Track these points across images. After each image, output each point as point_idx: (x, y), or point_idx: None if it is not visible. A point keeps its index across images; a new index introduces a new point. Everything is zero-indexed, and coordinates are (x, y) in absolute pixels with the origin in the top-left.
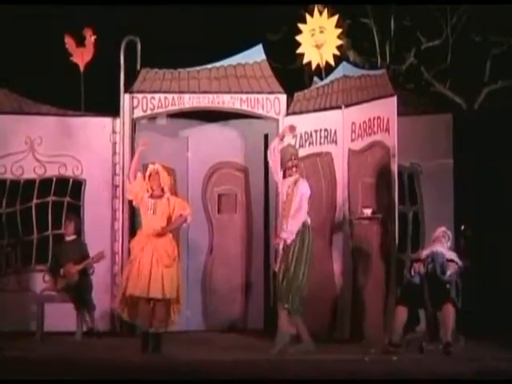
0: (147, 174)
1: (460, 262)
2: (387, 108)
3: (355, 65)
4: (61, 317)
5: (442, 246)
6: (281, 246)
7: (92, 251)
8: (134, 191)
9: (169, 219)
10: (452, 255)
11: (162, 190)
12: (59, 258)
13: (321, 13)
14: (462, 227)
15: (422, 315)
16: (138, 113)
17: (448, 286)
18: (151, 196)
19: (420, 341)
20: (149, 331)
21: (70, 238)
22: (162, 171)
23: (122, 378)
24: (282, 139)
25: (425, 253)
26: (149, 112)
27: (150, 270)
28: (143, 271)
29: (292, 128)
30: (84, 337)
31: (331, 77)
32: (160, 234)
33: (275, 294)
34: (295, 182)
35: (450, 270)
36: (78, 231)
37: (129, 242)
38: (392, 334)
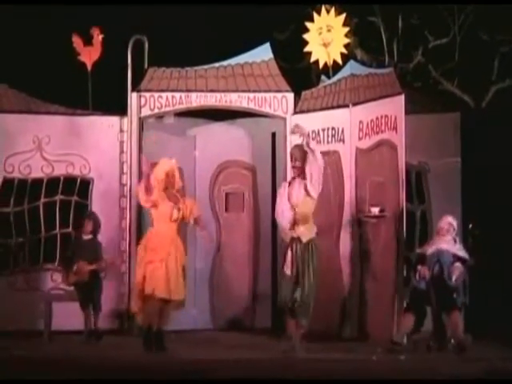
0: (165, 170)
1: (467, 257)
2: (395, 106)
3: (363, 63)
4: (68, 316)
5: (446, 239)
6: (289, 254)
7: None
8: (152, 201)
9: (182, 221)
10: (458, 249)
11: (173, 188)
12: (74, 254)
13: (328, 11)
14: (470, 226)
15: (429, 315)
16: (146, 111)
17: (454, 291)
18: (169, 199)
19: (427, 340)
20: (153, 330)
21: (87, 236)
22: (177, 171)
23: (129, 377)
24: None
25: (430, 250)
26: (156, 111)
27: (177, 273)
28: (172, 274)
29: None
30: (91, 336)
31: (339, 75)
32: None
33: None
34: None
35: (456, 274)
36: (95, 231)
37: (137, 240)
38: (397, 335)
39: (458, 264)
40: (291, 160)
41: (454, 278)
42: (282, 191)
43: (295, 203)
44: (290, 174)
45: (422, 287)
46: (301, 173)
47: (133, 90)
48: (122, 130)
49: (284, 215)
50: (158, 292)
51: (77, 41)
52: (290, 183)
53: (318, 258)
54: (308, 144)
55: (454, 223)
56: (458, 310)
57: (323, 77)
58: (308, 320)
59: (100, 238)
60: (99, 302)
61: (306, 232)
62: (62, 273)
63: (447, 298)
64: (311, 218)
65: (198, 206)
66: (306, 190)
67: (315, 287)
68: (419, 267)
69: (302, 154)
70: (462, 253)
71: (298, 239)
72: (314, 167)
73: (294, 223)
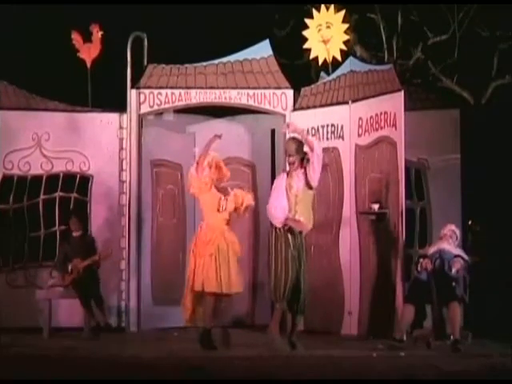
0: (212, 164)
1: (467, 257)
2: (394, 103)
3: (362, 60)
4: (69, 313)
5: (449, 244)
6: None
7: (99, 247)
8: (198, 185)
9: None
10: (459, 252)
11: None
12: (67, 253)
13: (327, 8)
14: (470, 222)
15: (429, 311)
16: (145, 108)
17: (454, 283)
18: (218, 191)
19: (427, 336)
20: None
21: (76, 233)
22: (222, 164)
23: (130, 374)
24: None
25: (432, 250)
26: (155, 107)
27: (229, 266)
28: (223, 268)
29: None
30: (94, 333)
31: (338, 72)
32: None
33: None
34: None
35: (457, 266)
36: (85, 227)
37: (138, 237)
38: (397, 331)
39: (458, 258)
40: (286, 155)
41: (454, 270)
42: (280, 182)
43: (295, 194)
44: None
45: (423, 278)
46: (298, 166)
47: (132, 86)
48: (121, 127)
49: (281, 205)
50: (207, 287)
51: (76, 38)
52: (288, 174)
53: (317, 254)
54: (305, 138)
55: (457, 231)
56: (458, 302)
57: (323, 73)
58: (303, 316)
59: (99, 235)
60: (100, 295)
61: (307, 223)
62: (58, 275)
63: (447, 288)
64: (310, 211)
65: (249, 195)
66: (306, 181)
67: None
68: (421, 260)
69: (296, 147)
70: (463, 254)
71: (295, 230)
72: (314, 158)
73: (294, 214)
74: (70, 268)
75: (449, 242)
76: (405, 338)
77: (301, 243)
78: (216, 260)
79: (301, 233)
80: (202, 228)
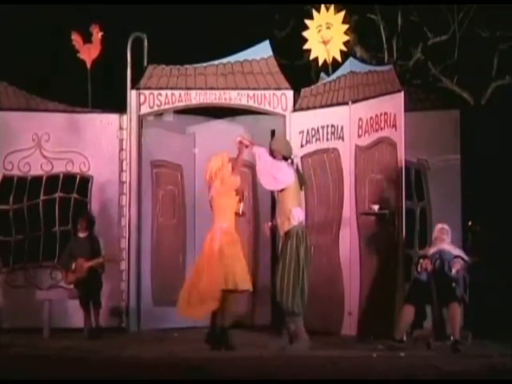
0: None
1: (466, 258)
2: (394, 104)
3: (362, 61)
4: (68, 313)
5: (446, 243)
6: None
7: (103, 249)
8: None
9: None
10: (459, 252)
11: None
12: (73, 253)
13: (327, 9)
14: (470, 222)
15: (429, 312)
16: (145, 109)
17: (454, 284)
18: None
19: (427, 337)
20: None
21: (83, 234)
22: (211, 162)
23: (131, 374)
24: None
25: (432, 250)
26: (155, 108)
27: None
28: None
29: None
30: (91, 334)
31: (338, 73)
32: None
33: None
34: None
35: (457, 266)
36: (90, 228)
37: (138, 238)
38: (397, 331)
39: (458, 258)
40: None
41: (454, 270)
42: None
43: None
44: None
45: (423, 279)
46: None
47: (132, 87)
48: (121, 128)
49: None
50: (243, 285)
51: (76, 38)
52: None
53: (317, 254)
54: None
55: (446, 226)
56: (458, 302)
57: (323, 74)
58: (294, 317)
59: (99, 235)
60: (99, 298)
61: (282, 224)
62: (61, 272)
63: (447, 289)
64: (289, 209)
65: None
66: None
67: (299, 280)
68: (421, 260)
69: None
70: (463, 255)
71: (278, 232)
72: (258, 166)
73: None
74: (73, 266)
75: (444, 240)
76: (405, 338)
77: (284, 242)
78: (242, 258)
79: (286, 233)
80: (225, 229)
